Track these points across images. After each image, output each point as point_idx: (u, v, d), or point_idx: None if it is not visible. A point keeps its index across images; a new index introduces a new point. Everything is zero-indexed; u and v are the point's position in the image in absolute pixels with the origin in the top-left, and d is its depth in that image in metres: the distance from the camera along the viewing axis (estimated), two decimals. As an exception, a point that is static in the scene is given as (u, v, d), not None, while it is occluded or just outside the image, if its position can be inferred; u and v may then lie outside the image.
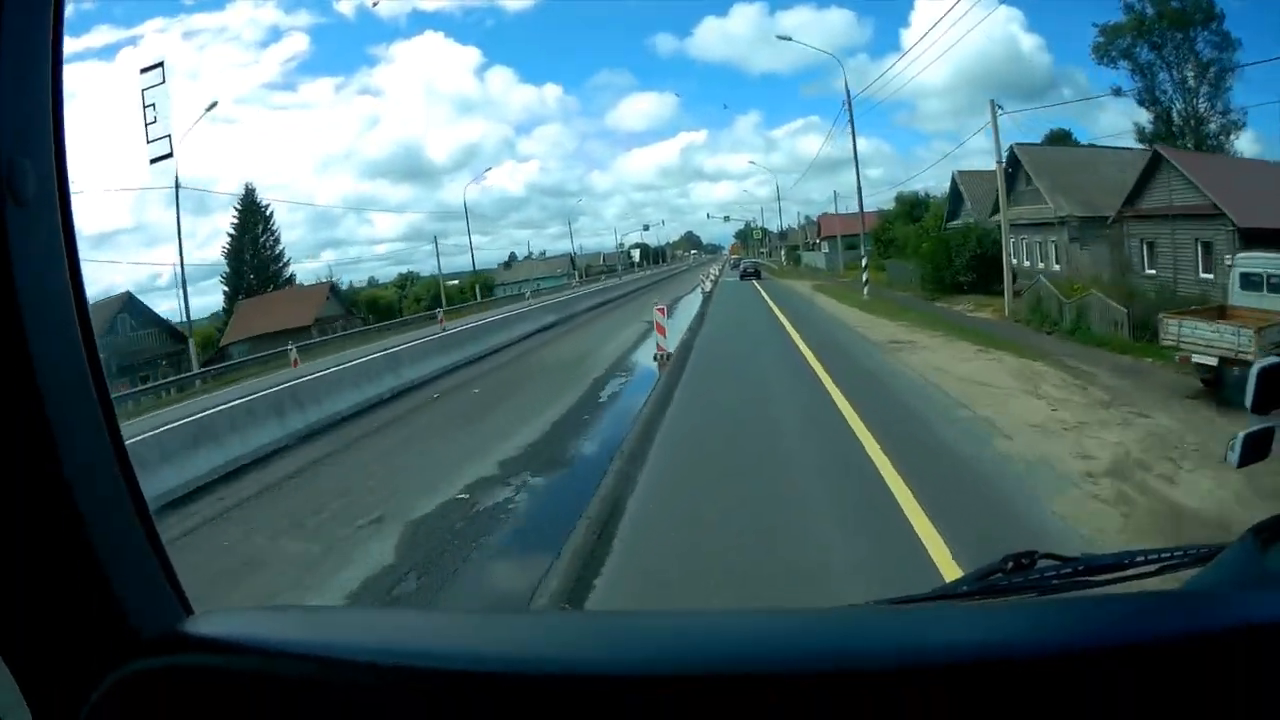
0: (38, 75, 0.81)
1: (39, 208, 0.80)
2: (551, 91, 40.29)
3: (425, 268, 35.92)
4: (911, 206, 28.31)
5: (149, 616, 0.88)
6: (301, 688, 0.81)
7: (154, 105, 11.63)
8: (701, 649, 0.81)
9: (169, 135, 11.95)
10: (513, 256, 39.87)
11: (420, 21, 40.53)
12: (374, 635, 0.89)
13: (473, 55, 37.85)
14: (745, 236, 46.28)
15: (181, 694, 0.84)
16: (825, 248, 36.45)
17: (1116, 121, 22.63)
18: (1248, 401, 1.23)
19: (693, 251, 53.49)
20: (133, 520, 0.90)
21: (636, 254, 45.18)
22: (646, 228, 41.66)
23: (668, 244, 48.47)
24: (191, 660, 0.85)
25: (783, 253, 48.43)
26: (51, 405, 0.80)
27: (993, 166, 17.03)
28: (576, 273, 43.10)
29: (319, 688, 0.81)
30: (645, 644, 0.84)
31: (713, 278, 35.74)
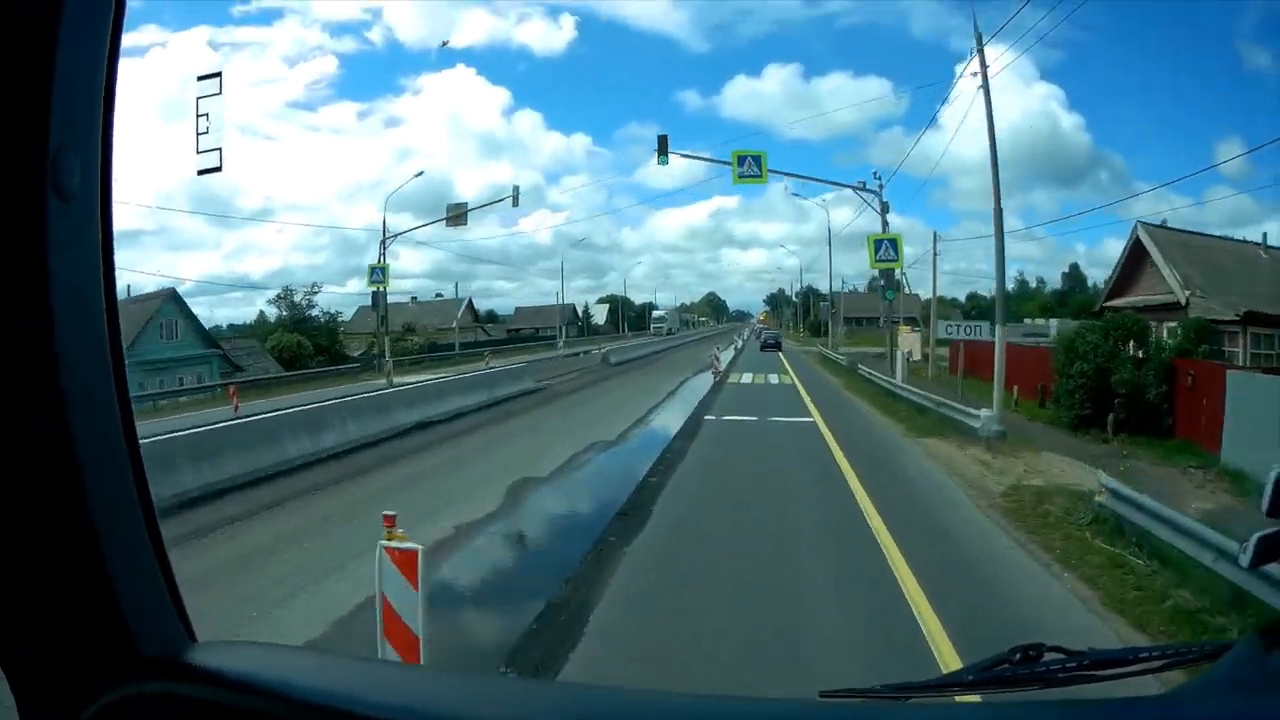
0: (94, 68, 0.78)
1: (81, 204, 0.78)
2: (580, 141, 40.35)
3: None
4: None
5: (151, 638, 0.87)
6: None
7: (207, 115, 11.86)
8: None
9: (220, 149, 12.13)
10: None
11: (451, 56, 41.42)
12: (372, 690, 0.87)
13: (502, 95, 38.18)
14: (777, 304, 42.03)
15: None
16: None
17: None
18: (1264, 505, 1.24)
19: (657, 312, 38.91)
20: (144, 539, 0.89)
21: (600, 313, 34.62)
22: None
23: (682, 305, 40.45)
24: (186, 690, 0.84)
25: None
26: (73, 411, 0.78)
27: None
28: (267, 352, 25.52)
29: None
30: None
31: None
